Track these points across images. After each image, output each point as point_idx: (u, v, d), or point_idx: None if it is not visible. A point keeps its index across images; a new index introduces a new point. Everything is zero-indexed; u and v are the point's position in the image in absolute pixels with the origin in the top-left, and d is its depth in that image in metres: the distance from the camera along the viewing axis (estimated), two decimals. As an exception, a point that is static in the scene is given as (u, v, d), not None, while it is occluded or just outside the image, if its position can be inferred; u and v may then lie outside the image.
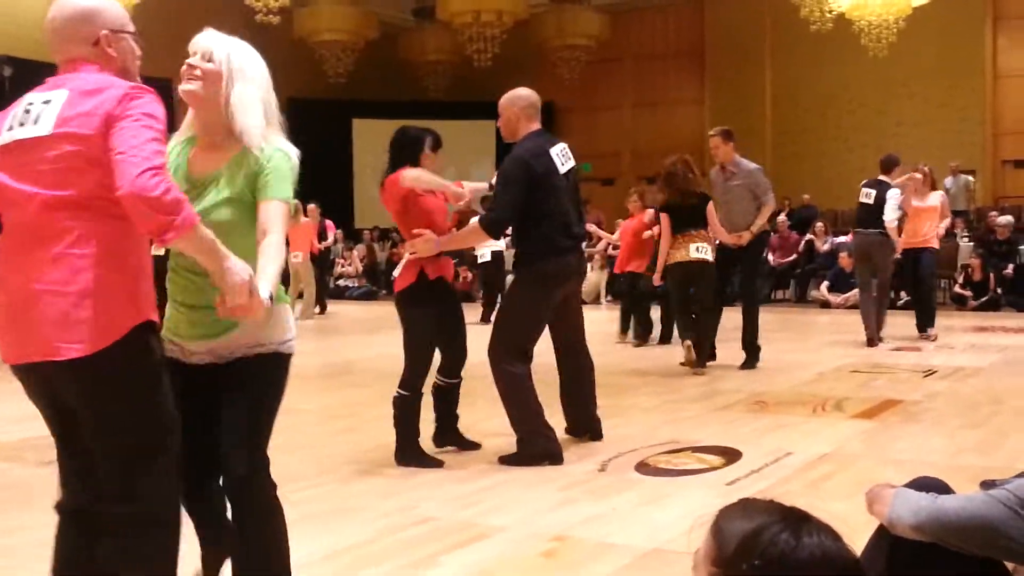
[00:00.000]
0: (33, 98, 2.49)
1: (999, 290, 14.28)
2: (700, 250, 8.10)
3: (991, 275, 14.23)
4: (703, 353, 8.20)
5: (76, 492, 2.53)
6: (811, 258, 16.52)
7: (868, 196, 9.84)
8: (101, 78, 2.48)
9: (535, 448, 4.96)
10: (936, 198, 10.48)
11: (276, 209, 2.65)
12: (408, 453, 5.02)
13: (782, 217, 17.35)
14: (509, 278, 6.37)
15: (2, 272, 2.45)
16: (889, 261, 10.01)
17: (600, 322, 12.70)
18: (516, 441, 5.04)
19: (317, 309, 14.75)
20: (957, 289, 14.54)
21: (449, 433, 5.29)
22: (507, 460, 4.99)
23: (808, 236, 16.78)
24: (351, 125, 22.65)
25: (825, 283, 15.28)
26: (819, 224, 17.00)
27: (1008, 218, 15.66)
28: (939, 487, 2.23)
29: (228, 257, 2.38)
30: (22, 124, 2.44)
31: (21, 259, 2.40)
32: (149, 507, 2.42)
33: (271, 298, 2.49)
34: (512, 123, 5.11)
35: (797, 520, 1.54)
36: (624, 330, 10.73)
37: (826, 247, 16.42)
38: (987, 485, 3.56)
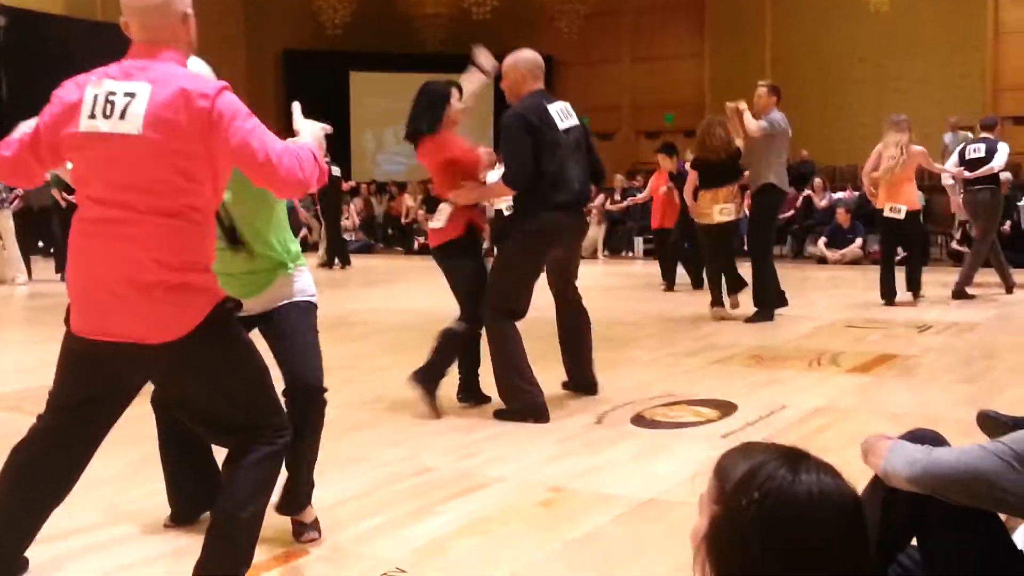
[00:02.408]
0: (114, 87, 2.48)
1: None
2: (724, 212, 8.50)
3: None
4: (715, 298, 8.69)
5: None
6: (808, 214, 16.50)
7: (978, 151, 9.95)
8: (176, 71, 2.52)
9: (519, 403, 4.96)
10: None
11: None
12: (428, 376, 5.06)
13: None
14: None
15: (81, 254, 2.57)
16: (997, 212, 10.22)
17: (596, 276, 12.72)
18: (500, 396, 5.07)
19: (337, 262, 14.80)
20: (954, 245, 14.54)
21: (470, 387, 5.31)
22: (499, 414, 5.02)
23: (806, 192, 16.75)
24: (348, 77, 22.49)
25: (822, 239, 15.28)
26: (817, 180, 16.96)
27: (1007, 174, 15.60)
28: (934, 439, 2.25)
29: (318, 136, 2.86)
30: (107, 116, 2.46)
31: (101, 244, 2.51)
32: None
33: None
34: (517, 84, 5.10)
35: (795, 458, 1.56)
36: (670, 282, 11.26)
37: (824, 203, 16.40)
38: (984, 416, 3.59)
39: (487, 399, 5.28)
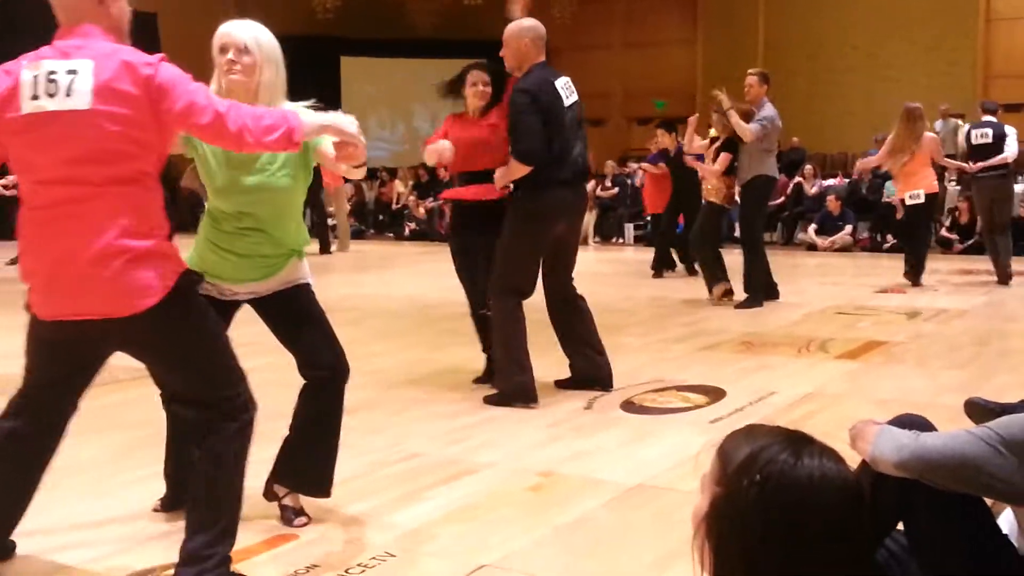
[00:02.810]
0: (54, 66, 2.49)
1: (987, 232, 14.29)
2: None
3: (979, 218, 14.23)
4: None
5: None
6: (799, 201, 16.50)
7: (985, 136, 9.91)
8: (115, 47, 2.55)
9: (510, 385, 4.95)
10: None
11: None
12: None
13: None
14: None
15: (39, 240, 2.58)
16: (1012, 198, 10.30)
17: (588, 262, 12.71)
18: (495, 376, 5.09)
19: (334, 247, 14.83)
20: (943, 232, 14.57)
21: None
22: (487, 399, 5.01)
23: (796, 179, 16.75)
24: (339, 63, 22.40)
25: (812, 226, 15.29)
26: (807, 167, 16.96)
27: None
28: (922, 424, 2.25)
29: (323, 118, 2.79)
30: (51, 95, 2.47)
31: (61, 226, 2.52)
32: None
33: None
34: (521, 53, 4.99)
35: (798, 441, 1.56)
36: (671, 266, 11.36)
37: (814, 190, 16.40)
38: (972, 403, 3.60)
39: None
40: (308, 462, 3.32)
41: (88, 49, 2.52)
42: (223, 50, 3.09)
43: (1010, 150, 9.82)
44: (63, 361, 2.75)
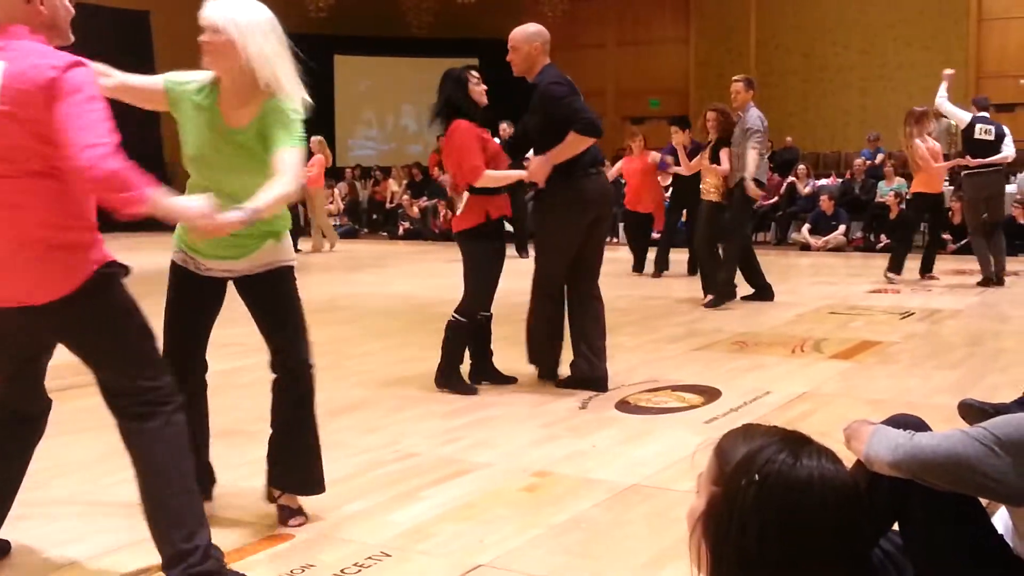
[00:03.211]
0: None
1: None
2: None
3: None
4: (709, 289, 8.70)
5: None
6: (792, 200, 16.52)
7: (989, 132, 9.96)
8: (34, 47, 2.55)
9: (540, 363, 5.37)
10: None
11: (291, 155, 3.03)
12: (450, 377, 5.20)
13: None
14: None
15: None
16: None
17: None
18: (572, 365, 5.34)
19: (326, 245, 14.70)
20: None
21: (482, 369, 5.39)
22: (562, 383, 5.32)
23: (790, 178, 16.77)
24: (333, 61, 22.37)
25: (806, 226, 15.31)
26: (801, 167, 16.97)
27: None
28: (916, 424, 2.26)
29: (173, 201, 2.64)
30: None
31: None
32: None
33: (251, 213, 2.81)
34: (532, 58, 5.21)
35: (796, 441, 1.56)
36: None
37: (807, 189, 16.40)
38: (965, 405, 3.61)
39: (509, 379, 5.33)
40: (294, 462, 3.32)
41: (8, 50, 2.55)
42: (202, 32, 3.05)
43: (1009, 150, 9.91)
44: (6, 353, 2.80)
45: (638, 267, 11.46)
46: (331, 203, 19.22)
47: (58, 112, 2.48)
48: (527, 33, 5.24)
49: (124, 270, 2.76)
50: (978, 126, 9.99)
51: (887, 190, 14.88)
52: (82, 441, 4.08)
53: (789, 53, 20.22)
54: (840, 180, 16.73)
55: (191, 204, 2.72)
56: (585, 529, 3.28)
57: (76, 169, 2.47)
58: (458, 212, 5.18)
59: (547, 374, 5.42)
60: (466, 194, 5.09)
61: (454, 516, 3.38)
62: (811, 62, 20.10)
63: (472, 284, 5.19)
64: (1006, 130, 10.06)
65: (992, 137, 9.90)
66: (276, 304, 3.29)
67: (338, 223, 18.74)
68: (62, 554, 3.06)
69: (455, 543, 3.15)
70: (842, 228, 14.94)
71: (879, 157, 16.71)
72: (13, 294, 2.61)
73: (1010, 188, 15.05)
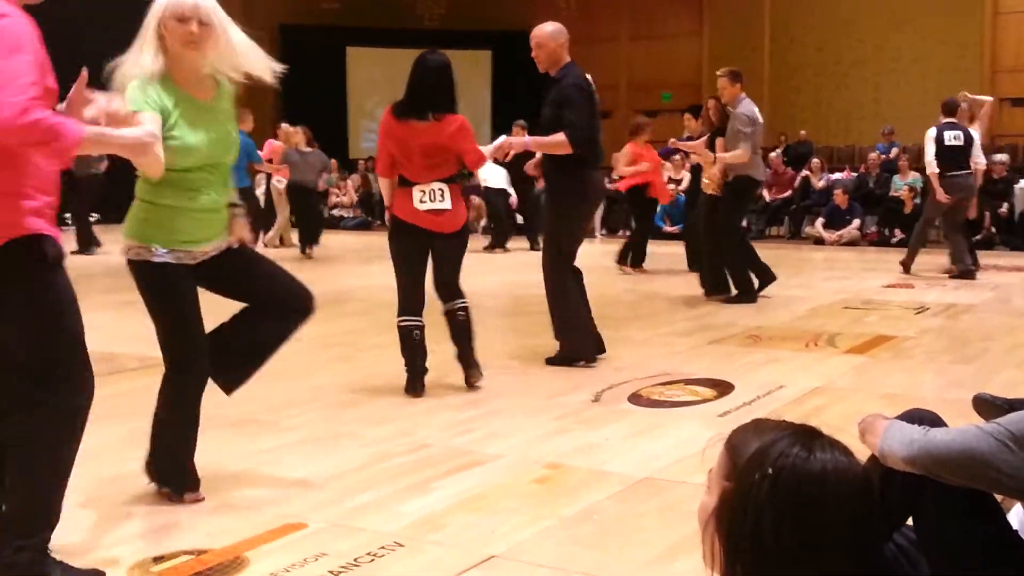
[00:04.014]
0: None
1: (993, 229, 14.28)
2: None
3: (986, 214, 14.22)
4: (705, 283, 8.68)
5: None
6: (806, 194, 16.47)
7: (957, 139, 10.28)
8: None
9: (572, 351, 5.62)
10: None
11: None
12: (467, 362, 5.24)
13: (775, 154, 17.26)
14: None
15: None
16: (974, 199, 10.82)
17: (594, 255, 12.68)
18: (559, 345, 5.67)
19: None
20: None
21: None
22: (552, 360, 5.64)
23: (803, 172, 16.72)
24: (345, 53, 22.38)
25: (820, 220, 15.26)
26: (815, 160, 16.91)
27: (1004, 156, 15.60)
28: (931, 419, 2.25)
29: (120, 132, 2.71)
30: None
31: None
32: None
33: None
34: (555, 55, 5.58)
35: (809, 435, 1.56)
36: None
37: (821, 183, 16.36)
38: (980, 399, 3.61)
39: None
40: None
41: None
42: (183, 20, 3.14)
43: (980, 157, 10.54)
44: None
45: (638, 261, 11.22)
46: (344, 195, 19.25)
47: None
48: (551, 31, 5.57)
49: (57, 253, 2.60)
50: (947, 133, 10.31)
51: (901, 184, 14.83)
52: (101, 429, 4.08)
53: (803, 47, 20.13)
54: (854, 174, 16.67)
55: (136, 132, 2.79)
56: (597, 521, 3.28)
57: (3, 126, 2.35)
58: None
59: (592, 348, 5.70)
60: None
61: (466, 507, 3.38)
62: (825, 55, 20.00)
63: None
64: (975, 134, 10.42)
65: (961, 142, 10.25)
66: (257, 260, 3.48)
67: (351, 215, 18.76)
68: (75, 543, 3.07)
69: (467, 534, 3.15)
70: (856, 222, 14.90)
71: (893, 151, 16.65)
72: None
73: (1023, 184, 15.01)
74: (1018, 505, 2.39)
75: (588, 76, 5.65)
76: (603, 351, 5.79)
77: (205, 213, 3.28)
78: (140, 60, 3.18)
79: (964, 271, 10.19)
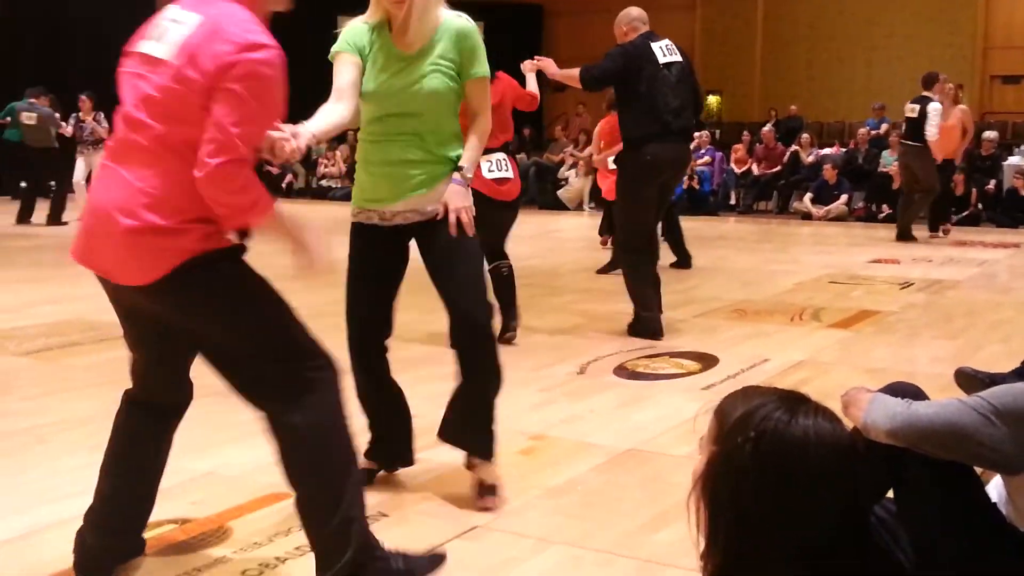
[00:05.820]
0: (174, 13, 2.34)
1: (980, 205, 14.33)
2: None
3: (973, 190, 14.25)
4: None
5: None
6: (795, 169, 16.47)
7: (913, 111, 10.94)
8: (234, 13, 2.29)
9: (643, 325, 5.78)
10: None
11: (482, 87, 3.09)
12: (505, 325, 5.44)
13: (767, 128, 17.25)
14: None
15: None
16: (930, 171, 11.17)
17: (582, 228, 12.69)
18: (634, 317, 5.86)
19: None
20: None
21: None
22: (630, 331, 5.82)
23: (793, 147, 16.71)
24: (336, 22, 22.19)
25: (808, 195, 15.27)
26: (804, 136, 16.91)
27: (993, 133, 15.63)
28: (914, 392, 2.26)
29: (304, 228, 2.48)
30: (157, 39, 2.32)
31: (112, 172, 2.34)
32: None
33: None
34: (622, 35, 5.87)
35: (794, 401, 1.57)
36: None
37: (811, 159, 16.36)
38: (962, 373, 3.61)
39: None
40: (470, 423, 3.31)
41: (211, 7, 2.32)
42: None
43: (931, 132, 10.84)
44: (126, 322, 2.61)
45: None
46: (332, 165, 19.15)
47: (215, 98, 2.21)
48: (618, 19, 5.91)
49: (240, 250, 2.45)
50: (908, 105, 11.07)
51: (891, 160, 14.84)
52: (91, 396, 4.09)
53: (795, 22, 20.08)
54: (844, 150, 16.67)
55: (315, 234, 2.50)
56: (581, 492, 3.30)
57: (202, 171, 2.21)
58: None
59: (657, 326, 5.81)
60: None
61: (452, 478, 3.39)
62: (817, 31, 19.97)
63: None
64: (932, 108, 10.84)
65: (916, 115, 10.90)
66: (460, 249, 3.14)
67: (339, 185, 18.66)
68: (57, 509, 3.07)
69: (452, 504, 3.16)
70: (844, 198, 14.91)
71: (883, 127, 16.66)
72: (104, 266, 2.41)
73: (1013, 160, 15.03)
74: (997, 478, 2.40)
75: (660, 42, 5.77)
76: (659, 336, 5.79)
77: (389, 166, 3.11)
78: None
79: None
